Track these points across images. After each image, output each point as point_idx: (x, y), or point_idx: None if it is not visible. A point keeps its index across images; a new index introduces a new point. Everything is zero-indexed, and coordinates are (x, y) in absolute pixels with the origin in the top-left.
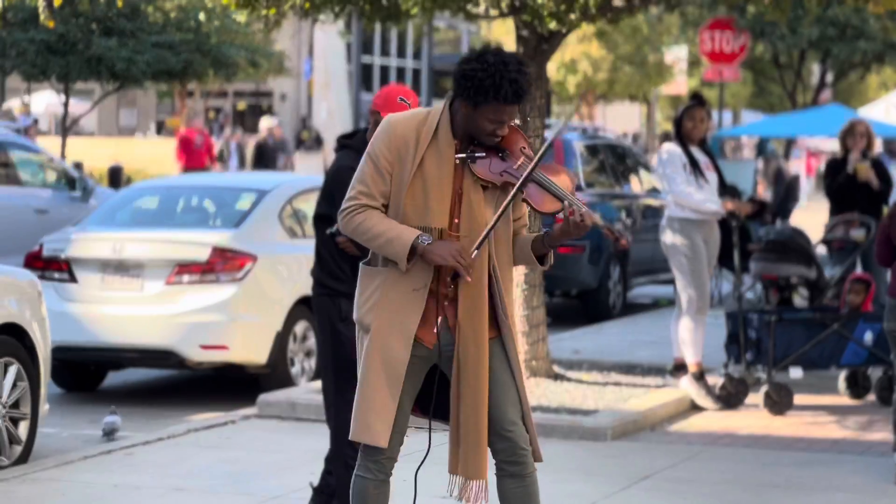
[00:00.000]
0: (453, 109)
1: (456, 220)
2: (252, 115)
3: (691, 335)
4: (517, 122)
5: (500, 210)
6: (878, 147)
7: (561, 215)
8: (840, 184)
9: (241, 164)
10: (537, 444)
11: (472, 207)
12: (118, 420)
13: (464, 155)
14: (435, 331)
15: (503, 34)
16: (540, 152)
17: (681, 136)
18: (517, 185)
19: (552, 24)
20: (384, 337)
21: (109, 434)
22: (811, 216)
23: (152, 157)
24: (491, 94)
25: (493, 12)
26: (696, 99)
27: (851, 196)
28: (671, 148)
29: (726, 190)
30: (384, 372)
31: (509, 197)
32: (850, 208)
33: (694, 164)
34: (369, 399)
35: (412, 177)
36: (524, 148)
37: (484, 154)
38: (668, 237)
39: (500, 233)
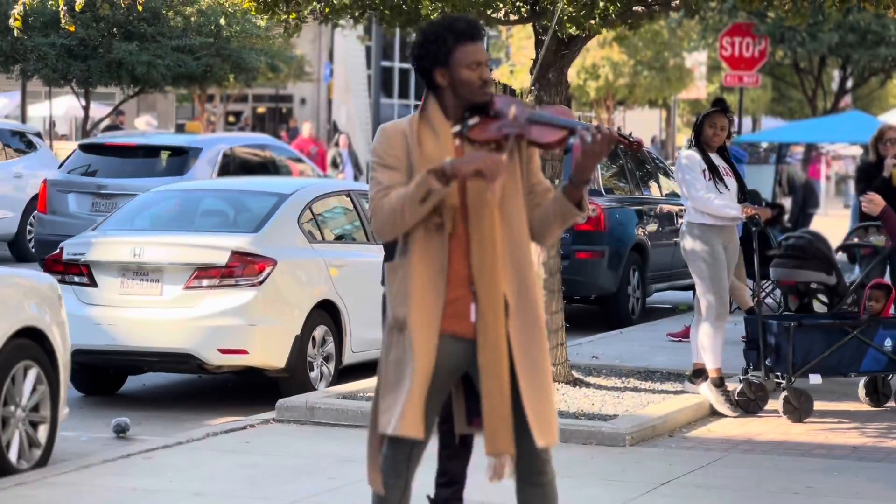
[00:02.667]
0: (438, 98)
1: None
2: (271, 120)
3: (710, 341)
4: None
5: (512, 137)
6: None
7: (575, 142)
8: (875, 188)
9: (357, 170)
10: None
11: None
12: (125, 419)
13: (458, 127)
14: (472, 320)
15: (523, 38)
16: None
17: (700, 141)
18: (520, 128)
19: (572, 30)
20: (420, 326)
21: (122, 432)
22: (829, 221)
23: None
24: (451, 38)
25: (513, 17)
26: (719, 105)
27: (887, 201)
28: (690, 153)
29: (746, 196)
30: (425, 363)
31: (512, 139)
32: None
33: (713, 170)
34: (409, 393)
35: (419, 168)
36: (515, 102)
37: (477, 119)
38: (688, 243)
39: (512, 215)
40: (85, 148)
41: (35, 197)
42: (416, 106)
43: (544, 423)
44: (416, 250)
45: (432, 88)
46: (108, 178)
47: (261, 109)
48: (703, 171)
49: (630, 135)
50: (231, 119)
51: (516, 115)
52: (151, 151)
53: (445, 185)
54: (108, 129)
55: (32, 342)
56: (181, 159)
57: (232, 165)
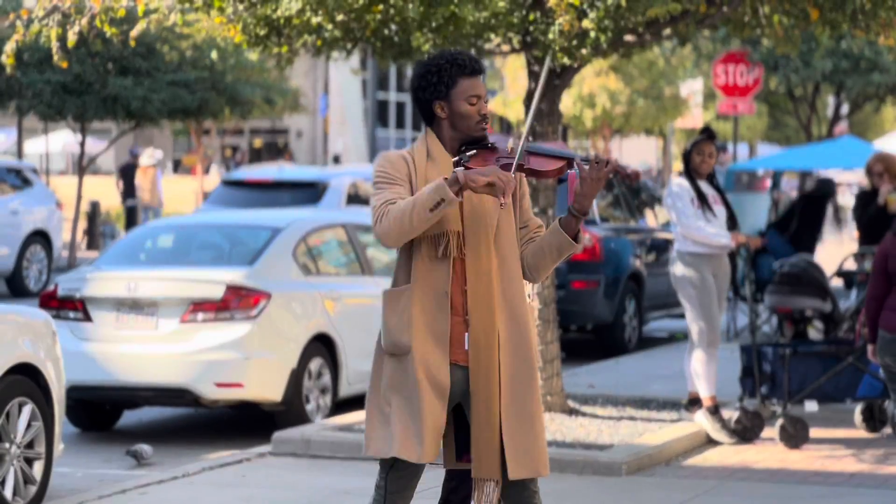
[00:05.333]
0: (436, 130)
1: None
2: (268, 153)
3: (704, 368)
4: (528, 139)
5: (523, 136)
6: None
7: (571, 172)
8: (871, 216)
9: None
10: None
11: (475, 208)
12: (147, 450)
13: (457, 158)
14: (466, 348)
15: (519, 69)
16: (528, 120)
17: (689, 170)
18: (519, 150)
19: (564, 60)
20: (424, 353)
21: (136, 456)
22: (824, 248)
23: (169, 195)
24: (454, 70)
25: (505, 48)
26: (706, 133)
27: (882, 228)
28: (680, 181)
29: (736, 223)
30: (432, 388)
31: (518, 150)
32: (880, 240)
33: (702, 198)
34: (423, 419)
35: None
36: (511, 138)
37: (475, 151)
38: (678, 269)
39: (505, 250)
40: (227, 183)
41: (31, 233)
42: (413, 138)
43: (523, 456)
44: (418, 278)
45: (429, 121)
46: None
47: (257, 142)
48: (692, 199)
49: (627, 167)
50: (228, 153)
51: (514, 147)
52: (285, 185)
53: (457, 195)
54: (126, 167)
55: (27, 378)
56: (313, 192)
57: (356, 197)
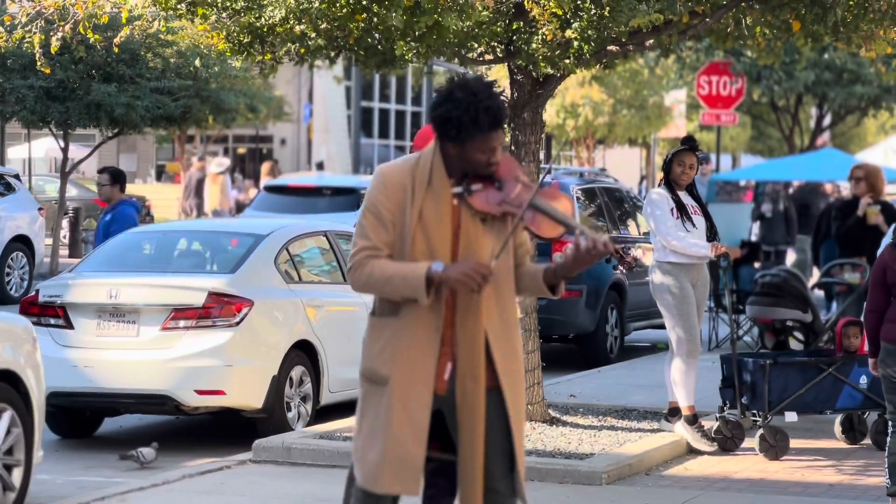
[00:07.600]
0: (444, 151)
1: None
2: (251, 160)
3: (682, 377)
4: (511, 149)
5: (511, 229)
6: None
7: (571, 241)
8: (849, 227)
9: None
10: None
11: (471, 242)
12: (147, 453)
13: (460, 189)
14: (446, 377)
15: (504, 77)
16: (539, 180)
17: (669, 180)
18: (520, 212)
19: (546, 69)
20: (405, 387)
21: (129, 458)
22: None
23: (152, 202)
24: (471, 128)
25: (488, 57)
26: (688, 143)
27: (861, 239)
28: (660, 191)
29: (716, 234)
30: (409, 423)
31: (512, 227)
32: (858, 251)
33: (681, 208)
34: (397, 450)
35: (415, 226)
36: (519, 176)
37: (480, 186)
38: (657, 279)
39: (501, 266)
40: (268, 189)
41: (13, 238)
42: (396, 146)
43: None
44: (409, 312)
45: (441, 142)
46: (289, 215)
47: (241, 150)
48: (672, 209)
49: (626, 250)
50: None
51: (520, 194)
52: (325, 191)
53: (428, 294)
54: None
55: (6, 385)
56: (352, 198)
57: None
